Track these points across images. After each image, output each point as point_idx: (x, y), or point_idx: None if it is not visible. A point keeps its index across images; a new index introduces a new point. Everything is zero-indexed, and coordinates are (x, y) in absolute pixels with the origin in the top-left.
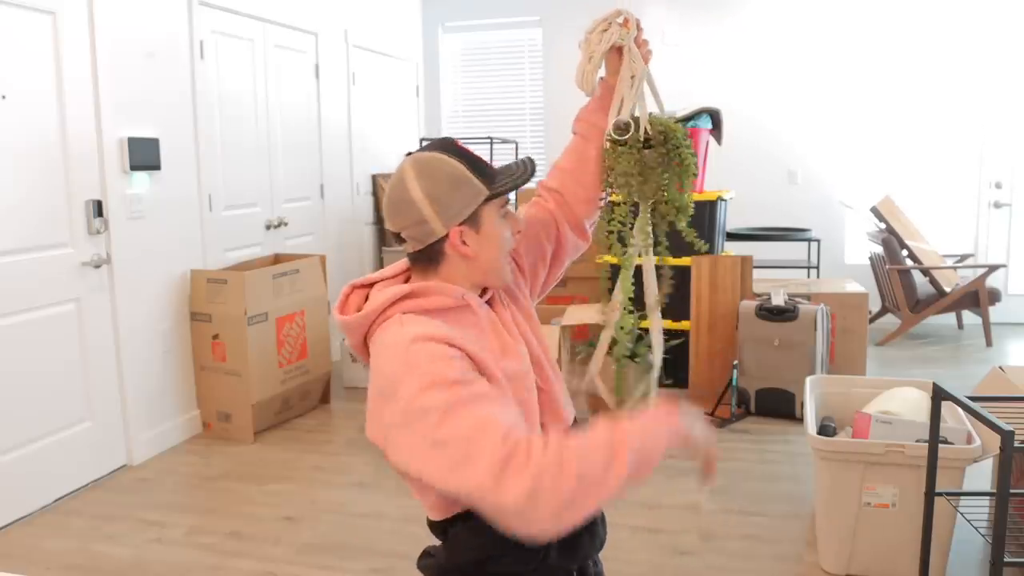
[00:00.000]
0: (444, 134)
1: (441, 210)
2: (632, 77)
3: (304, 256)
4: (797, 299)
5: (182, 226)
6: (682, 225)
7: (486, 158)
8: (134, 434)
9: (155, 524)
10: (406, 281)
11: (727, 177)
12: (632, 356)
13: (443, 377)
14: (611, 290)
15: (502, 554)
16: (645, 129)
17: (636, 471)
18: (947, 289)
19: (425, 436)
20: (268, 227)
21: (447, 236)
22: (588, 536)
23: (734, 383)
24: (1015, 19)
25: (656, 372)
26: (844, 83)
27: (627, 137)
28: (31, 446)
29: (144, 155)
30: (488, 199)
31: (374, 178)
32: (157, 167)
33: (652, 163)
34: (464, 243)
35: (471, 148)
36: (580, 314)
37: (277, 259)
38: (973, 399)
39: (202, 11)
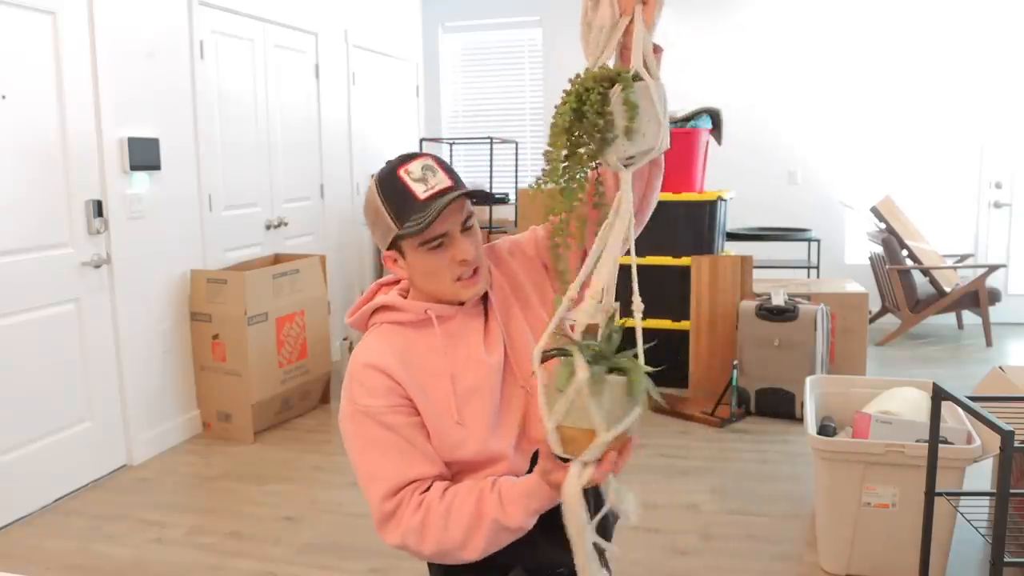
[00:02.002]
0: (444, 134)
1: (373, 233)
2: (603, 28)
3: (304, 256)
4: (797, 299)
5: (182, 226)
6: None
7: (458, 162)
8: (134, 434)
9: (155, 524)
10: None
11: (727, 177)
12: (612, 368)
13: (365, 408)
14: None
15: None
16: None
17: (494, 544)
18: (947, 289)
19: (347, 451)
20: (268, 227)
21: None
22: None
23: (734, 383)
24: (1015, 19)
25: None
26: (844, 83)
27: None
28: (31, 446)
29: (144, 155)
30: (401, 236)
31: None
32: (157, 167)
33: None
34: (398, 266)
35: (458, 152)
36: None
37: (277, 259)
38: (973, 399)
39: (202, 11)
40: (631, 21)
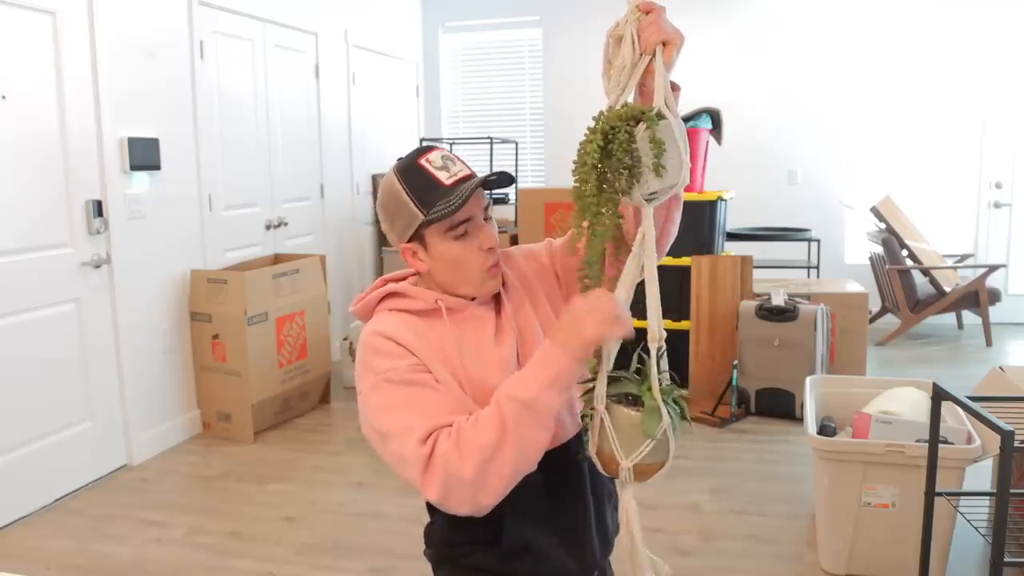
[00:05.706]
0: (444, 134)
1: (391, 227)
2: (624, 67)
3: (304, 256)
4: (797, 299)
5: (182, 226)
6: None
7: (476, 160)
8: (134, 434)
9: (155, 524)
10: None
11: (727, 177)
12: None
13: (386, 373)
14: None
15: (469, 544)
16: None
17: (525, 437)
18: (947, 289)
19: (374, 428)
20: (268, 227)
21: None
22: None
23: (734, 383)
24: (1015, 19)
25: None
26: (844, 83)
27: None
28: (31, 446)
29: (144, 155)
30: (427, 223)
31: (374, 178)
32: (157, 167)
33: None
34: (418, 258)
35: (458, 152)
36: None
37: (277, 259)
38: (973, 399)
39: (202, 11)
40: (651, 60)
